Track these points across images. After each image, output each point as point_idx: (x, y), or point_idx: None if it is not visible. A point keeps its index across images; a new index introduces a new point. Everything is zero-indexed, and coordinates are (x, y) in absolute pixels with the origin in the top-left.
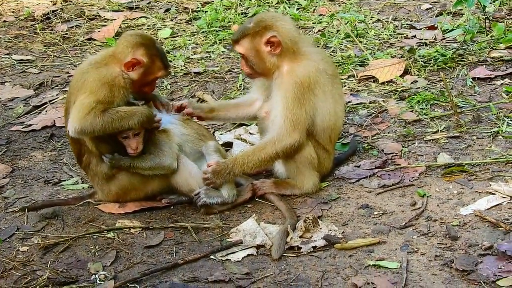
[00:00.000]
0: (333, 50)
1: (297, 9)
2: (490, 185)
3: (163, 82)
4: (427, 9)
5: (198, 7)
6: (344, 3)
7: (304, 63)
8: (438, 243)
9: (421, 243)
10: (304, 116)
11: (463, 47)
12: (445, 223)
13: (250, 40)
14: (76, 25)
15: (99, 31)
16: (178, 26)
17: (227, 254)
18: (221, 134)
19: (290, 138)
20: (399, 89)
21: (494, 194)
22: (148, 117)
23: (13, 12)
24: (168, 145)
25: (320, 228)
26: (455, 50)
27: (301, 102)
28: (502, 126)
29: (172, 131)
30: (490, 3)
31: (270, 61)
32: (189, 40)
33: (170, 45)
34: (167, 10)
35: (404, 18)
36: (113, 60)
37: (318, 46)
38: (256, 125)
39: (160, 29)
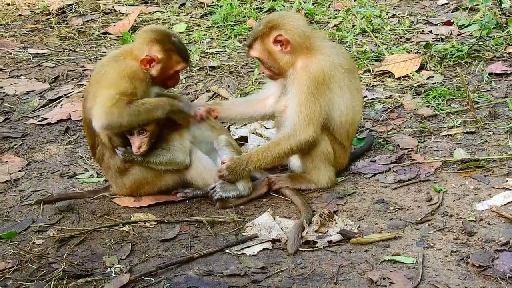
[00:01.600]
0: (348, 45)
1: (313, 4)
2: (507, 180)
3: None
4: (443, 4)
5: (213, 2)
6: None
7: (318, 57)
8: (454, 239)
9: (437, 238)
10: (319, 111)
11: (479, 43)
12: (461, 218)
13: (261, 42)
14: (91, 19)
15: (114, 26)
16: (193, 20)
17: (243, 248)
18: (237, 128)
19: (305, 133)
20: (415, 84)
21: (511, 189)
22: (174, 107)
23: (28, 6)
24: (180, 141)
25: (336, 223)
26: (471, 45)
27: (315, 97)
28: None
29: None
30: None
31: (283, 59)
32: (204, 34)
33: (185, 39)
34: (182, 4)
35: (420, 14)
36: (131, 56)
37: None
38: (272, 119)
39: (175, 24)
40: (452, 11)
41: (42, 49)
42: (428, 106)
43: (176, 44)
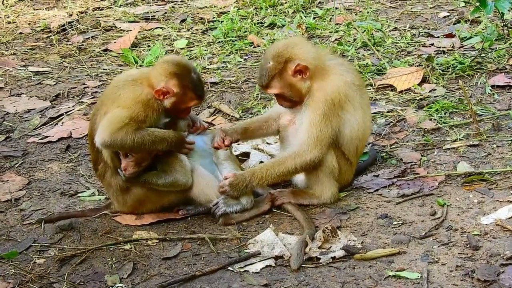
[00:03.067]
0: (350, 59)
1: (314, 18)
2: (511, 193)
3: None
4: (444, 17)
5: (214, 17)
6: (360, 12)
7: (331, 78)
8: (459, 253)
9: (441, 253)
10: (329, 133)
11: (481, 55)
12: (465, 232)
13: (278, 79)
14: (92, 36)
15: (115, 42)
16: (194, 36)
17: (245, 266)
18: (238, 144)
19: (311, 154)
20: (417, 98)
21: None
22: (178, 142)
23: (29, 24)
24: (179, 164)
25: (339, 239)
26: (473, 58)
27: (329, 119)
28: None
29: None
30: (508, 10)
31: (304, 87)
32: (205, 50)
33: (186, 55)
34: (183, 20)
35: (421, 26)
36: (148, 82)
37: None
38: (275, 135)
39: (176, 40)
40: (454, 24)
41: (42, 67)
42: (430, 120)
43: (193, 81)
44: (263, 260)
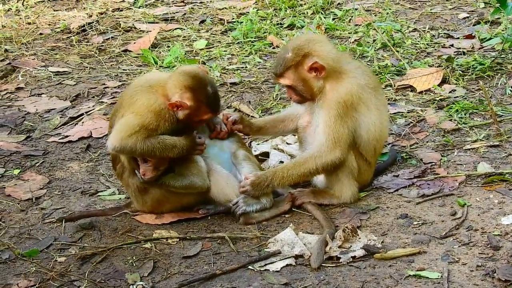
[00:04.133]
0: (369, 60)
1: (333, 19)
2: None
3: None
4: (464, 18)
5: (233, 18)
6: (380, 13)
7: (346, 81)
8: (479, 253)
9: (462, 253)
10: (346, 134)
11: (501, 56)
12: (486, 232)
13: (293, 71)
14: (111, 37)
15: (134, 43)
16: (214, 37)
17: (266, 264)
18: (258, 144)
19: (331, 155)
20: (437, 98)
21: None
22: (189, 147)
23: (49, 24)
24: (196, 167)
25: (359, 238)
26: (493, 58)
27: (343, 120)
28: None
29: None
30: None
31: (317, 85)
32: (224, 51)
33: (206, 56)
34: (203, 21)
35: (441, 27)
36: (163, 92)
37: (354, 57)
38: (294, 135)
39: (195, 40)
40: (474, 25)
41: (63, 67)
42: (450, 120)
43: (208, 95)
44: (283, 259)
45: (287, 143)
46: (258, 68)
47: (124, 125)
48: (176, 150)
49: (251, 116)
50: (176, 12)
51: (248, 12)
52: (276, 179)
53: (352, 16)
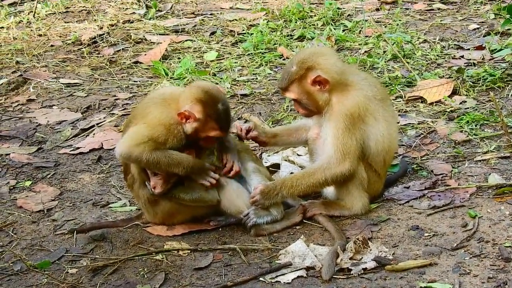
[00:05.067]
0: (380, 71)
1: (343, 30)
2: None
3: None
4: (474, 29)
5: (243, 30)
6: (390, 24)
7: (352, 93)
8: (491, 265)
9: (473, 264)
10: (355, 145)
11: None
12: (497, 244)
13: (298, 84)
14: (122, 49)
15: (145, 55)
16: (224, 48)
17: (277, 276)
18: (269, 155)
19: (341, 167)
20: (448, 110)
21: None
22: (197, 170)
23: (60, 36)
24: None
25: (370, 250)
26: (504, 70)
27: (351, 132)
28: None
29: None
30: None
31: (322, 98)
32: (235, 62)
33: (216, 67)
34: (213, 33)
35: (451, 39)
36: (176, 105)
37: (364, 68)
38: (305, 146)
39: (206, 52)
40: (484, 36)
41: (74, 79)
42: (461, 131)
43: (218, 111)
44: (294, 271)
45: (298, 155)
46: (269, 80)
47: (134, 133)
48: (181, 168)
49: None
50: (187, 24)
51: (259, 24)
52: (285, 188)
53: (362, 28)
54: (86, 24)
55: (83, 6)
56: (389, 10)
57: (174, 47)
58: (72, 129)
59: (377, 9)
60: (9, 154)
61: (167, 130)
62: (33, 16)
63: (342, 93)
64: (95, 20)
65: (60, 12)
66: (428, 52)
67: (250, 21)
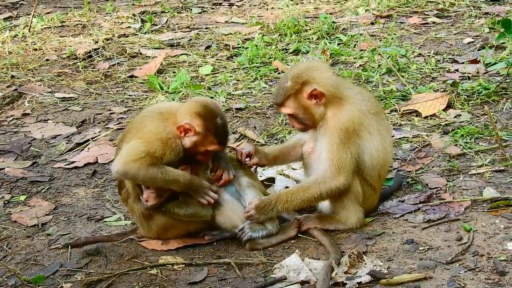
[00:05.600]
0: (374, 85)
1: (338, 44)
2: None
3: None
4: (469, 43)
5: (238, 44)
6: (385, 38)
7: (346, 108)
8: (485, 278)
9: (468, 278)
10: (349, 160)
11: (506, 80)
12: (492, 258)
13: (294, 99)
14: (117, 63)
15: (140, 69)
16: (219, 62)
17: None
18: (263, 169)
19: (335, 181)
20: (443, 123)
21: None
22: (195, 187)
23: (55, 51)
24: None
25: (365, 264)
26: (498, 83)
27: (346, 146)
28: None
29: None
30: None
31: (318, 112)
32: (230, 76)
33: (211, 81)
34: (208, 47)
35: (445, 52)
36: (173, 119)
37: (359, 82)
38: (299, 160)
39: (201, 66)
40: (478, 49)
41: (69, 93)
42: (456, 145)
43: (217, 125)
44: (289, 285)
45: (293, 169)
46: (264, 94)
47: (130, 149)
48: (179, 184)
49: (257, 142)
50: (182, 38)
51: (254, 38)
52: (280, 203)
53: (357, 41)
54: (81, 38)
55: (79, 21)
56: (384, 24)
57: (169, 61)
58: (67, 143)
59: (372, 23)
60: (4, 168)
61: (164, 144)
62: (29, 30)
63: (337, 107)
64: (90, 34)
65: (55, 26)
66: (423, 66)
67: (245, 35)
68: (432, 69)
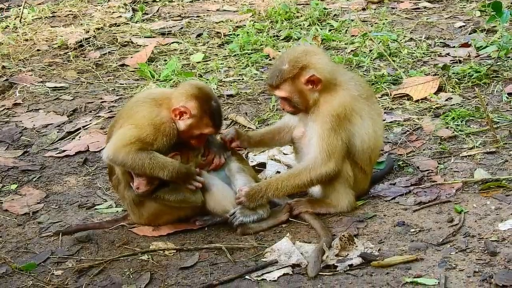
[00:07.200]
0: (366, 70)
1: (329, 30)
2: None
3: None
4: (460, 27)
5: (230, 31)
6: (376, 23)
7: (339, 93)
8: (476, 259)
9: (459, 259)
10: (340, 146)
11: (497, 63)
12: (483, 238)
13: (290, 83)
14: (108, 52)
15: (131, 57)
16: (211, 50)
17: (263, 274)
18: (255, 155)
19: (326, 167)
20: (434, 106)
21: None
22: (181, 174)
23: (46, 40)
24: None
25: (356, 246)
26: (489, 66)
27: (337, 132)
28: None
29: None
30: None
31: (312, 97)
32: (221, 63)
33: (203, 69)
34: (199, 35)
35: (437, 37)
36: (167, 104)
37: (350, 67)
38: (290, 145)
39: (192, 54)
40: (470, 33)
41: (60, 83)
42: (447, 128)
43: (213, 108)
44: (280, 268)
45: (284, 153)
46: (255, 80)
47: (121, 134)
48: (167, 171)
49: (248, 128)
50: (173, 26)
51: (245, 25)
52: (270, 190)
53: (348, 27)
54: (72, 28)
55: (70, 11)
56: (375, 9)
57: (160, 49)
58: (58, 132)
59: (363, 9)
60: None
61: (156, 130)
62: (20, 21)
63: (330, 93)
64: (81, 24)
65: (46, 17)
66: (414, 50)
67: (236, 22)
68: (423, 53)
